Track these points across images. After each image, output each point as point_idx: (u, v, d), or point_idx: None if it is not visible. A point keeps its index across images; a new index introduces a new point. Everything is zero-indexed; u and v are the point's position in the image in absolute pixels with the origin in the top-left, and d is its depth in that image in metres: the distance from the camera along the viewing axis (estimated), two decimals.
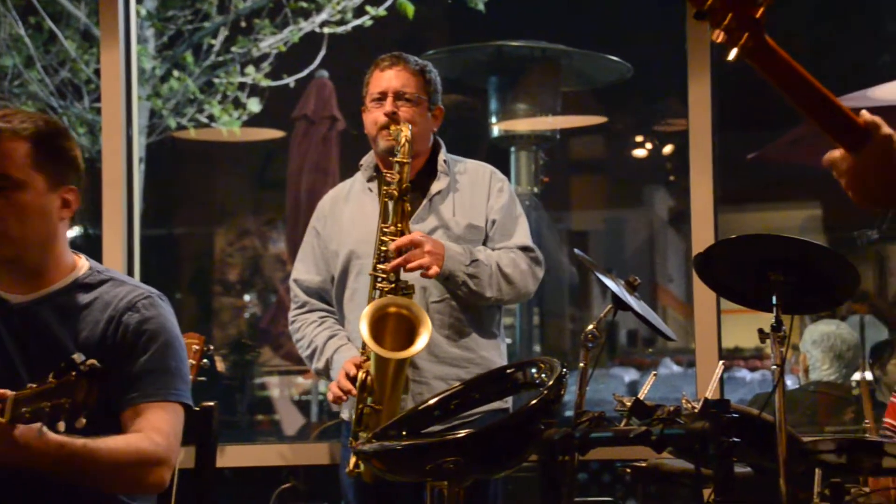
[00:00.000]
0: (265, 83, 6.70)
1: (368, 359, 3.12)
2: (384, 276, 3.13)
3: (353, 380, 3.13)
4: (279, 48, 6.70)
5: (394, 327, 3.10)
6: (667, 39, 4.95)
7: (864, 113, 1.79)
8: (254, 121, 6.80)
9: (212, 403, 2.59)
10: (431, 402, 2.84)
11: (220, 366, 6.87)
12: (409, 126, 3.21)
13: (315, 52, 6.62)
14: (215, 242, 8.08)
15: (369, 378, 3.10)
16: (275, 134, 7.19)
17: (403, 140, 3.17)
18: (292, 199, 6.51)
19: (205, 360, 3.06)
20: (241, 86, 6.70)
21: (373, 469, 2.88)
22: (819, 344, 4.50)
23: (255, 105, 6.70)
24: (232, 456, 4.05)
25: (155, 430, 2.29)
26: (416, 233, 3.15)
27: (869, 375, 5.65)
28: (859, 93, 5.76)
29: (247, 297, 7.86)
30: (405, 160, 3.16)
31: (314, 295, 3.41)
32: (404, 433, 2.73)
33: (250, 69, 6.69)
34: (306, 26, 6.63)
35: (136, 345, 2.34)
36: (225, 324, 7.70)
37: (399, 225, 3.15)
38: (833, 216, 8.21)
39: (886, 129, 1.78)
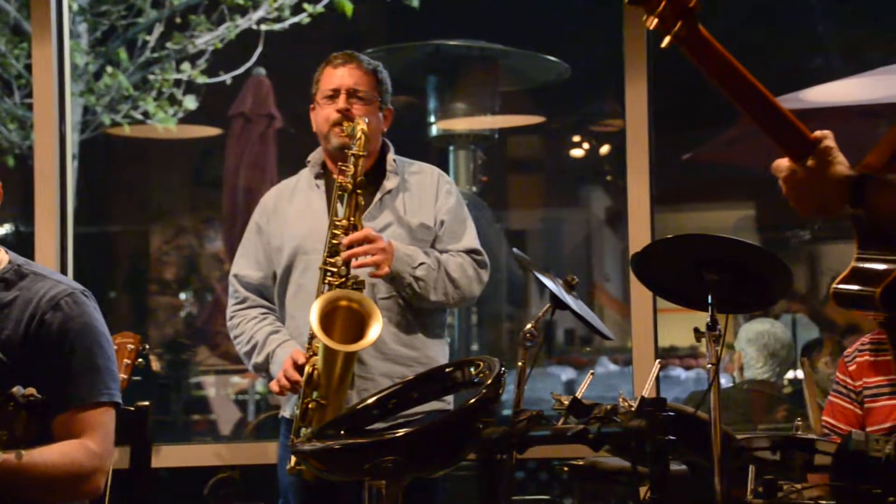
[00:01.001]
0: (201, 80, 6.64)
1: (315, 353, 3.10)
2: (335, 269, 3.11)
3: (300, 370, 3.11)
4: (215, 45, 6.64)
5: (344, 321, 3.08)
6: (604, 40, 5.00)
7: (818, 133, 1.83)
8: (190, 118, 6.74)
9: (146, 403, 2.57)
10: (370, 401, 2.83)
11: (156, 365, 6.80)
12: (365, 120, 3.20)
13: (252, 50, 6.57)
14: (151, 241, 7.98)
15: (316, 372, 3.08)
16: (211, 131, 7.12)
17: (360, 133, 3.16)
18: (229, 197, 6.47)
19: (140, 360, 3.03)
20: (177, 82, 6.63)
21: (311, 469, 2.86)
22: (753, 342, 4.56)
23: (190, 102, 6.64)
24: (167, 456, 4.02)
25: (89, 436, 2.25)
26: (369, 229, 3.14)
27: (801, 374, 5.74)
28: (791, 95, 5.85)
29: (183, 296, 7.78)
30: (361, 153, 3.15)
31: (254, 291, 3.38)
32: (343, 432, 2.72)
33: (186, 66, 6.63)
34: (243, 23, 6.58)
35: (62, 345, 2.29)
36: (161, 323, 7.62)
37: (352, 219, 3.14)
38: (766, 216, 8.32)
39: (829, 142, 1.82)
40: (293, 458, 3.11)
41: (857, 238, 1.93)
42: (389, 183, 3.32)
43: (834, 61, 7.33)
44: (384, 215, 3.28)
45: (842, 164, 1.80)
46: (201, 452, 4.36)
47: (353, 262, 3.10)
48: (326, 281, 3.13)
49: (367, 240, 3.10)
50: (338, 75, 3.30)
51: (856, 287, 1.89)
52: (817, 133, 1.82)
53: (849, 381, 3.21)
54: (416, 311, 3.27)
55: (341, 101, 3.26)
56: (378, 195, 3.30)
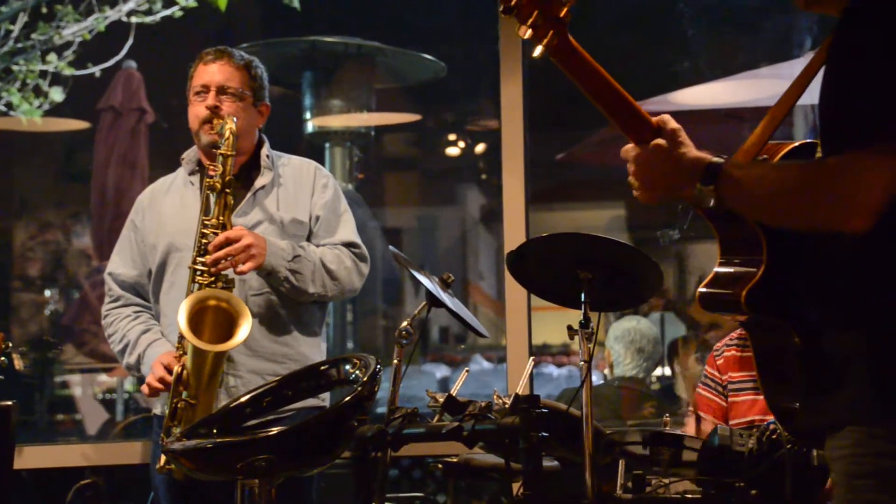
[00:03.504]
0: (68, 72, 6.47)
1: (185, 353, 3.07)
2: (204, 269, 3.09)
3: (171, 372, 3.09)
4: (84, 36, 6.48)
5: (213, 320, 3.06)
6: (480, 40, 5.03)
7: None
8: (56, 110, 6.56)
9: (9, 403, 2.49)
10: (243, 399, 2.80)
11: (19, 363, 6.60)
12: (234, 119, 3.17)
13: (122, 42, 6.43)
14: (14, 236, 7.75)
15: (185, 372, 3.05)
16: (79, 125, 6.95)
17: (228, 132, 3.14)
18: (98, 193, 6.32)
19: (2, 358, 2.95)
20: (43, 74, 6.45)
21: (182, 468, 2.82)
22: (620, 339, 4.65)
23: (57, 94, 6.46)
24: (30, 457, 3.92)
25: None
26: (236, 228, 3.11)
27: (668, 371, 5.88)
28: (661, 97, 5.98)
29: (48, 293, 7.58)
30: (229, 153, 3.13)
31: (129, 289, 3.35)
32: (215, 431, 2.68)
33: (52, 57, 6.45)
34: (112, 15, 6.43)
35: None
36: (25, 320, 7.40)
37: (221, 218, 3.12)
38: (637, 216, 8.48)
39: (673, 124, 1.86)
40: (163, 457, 3.06)
41: (719, 242, 1.99)
42: (262, 179, 3.29)
43: (701, 65, 7.51)
44: (255, 212, 3.26)
45: (691, 147, 1.85)
46: (67, 453, 4.25)
47: (219, 265, 3.08)
48: (196, 280, 3.10)
49: (231, 240, 3.07)
50: (208, 72, 3.26)
51: (720, 290, 1.94)
52: (659, 118, 1.86)
53: (716, 374, 3.30)
54: (289, 308, 3.25)
55: (210, 98, 3.23)
56: (251, 191, 3.28)
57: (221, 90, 3.24)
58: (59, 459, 4.13)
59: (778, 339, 1.89)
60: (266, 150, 3.34)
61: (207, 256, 3.08)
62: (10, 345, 3.09)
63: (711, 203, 1.81)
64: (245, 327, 3.02)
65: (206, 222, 3.12)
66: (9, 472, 2.49)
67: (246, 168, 3.30)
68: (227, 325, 3.04)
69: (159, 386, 3.12)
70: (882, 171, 1.67)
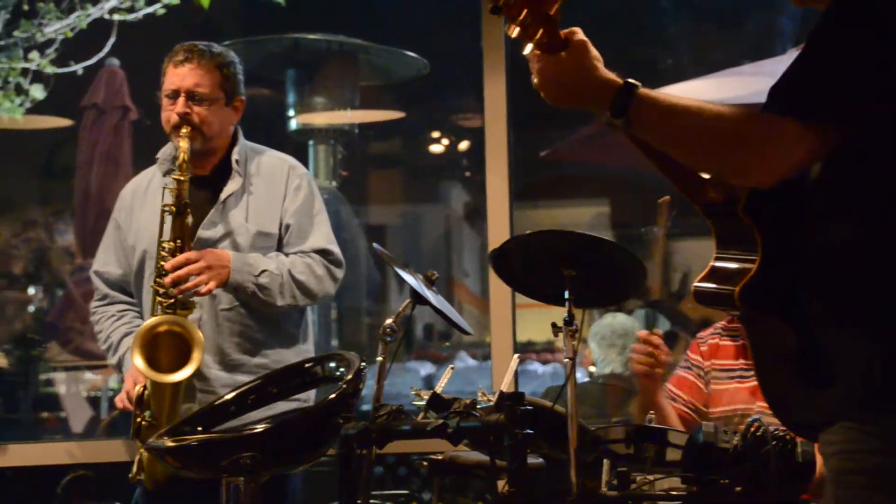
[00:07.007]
0: (51, 70, 6.44)
1: None
2: (164, 290, 3.08)
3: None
4: (66, 34, 6.45)
5: (169, 345, 3.07)
6: (463, 36, 5.02)
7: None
8: (38, 108, 6.53)
9: None
10: (228, 397, 2.80)
11: (3, 361, 6.58)
12: (188, 140, 3.13)
13: (104, 40, 6.40)
14: None
15: (146, 393, 3.07)
16: (62, 122, 6.92)
17: (182, 156, 3.10)
18: (81, 190, 6.30)
19: None
20: (24, 71, 6.42)
21: (168, 466, 2.82)
22: (605, 337, 4.65)
23: (39, 92, 6.43)
24: (15, 455, 3.91)
25: None
26: (190, 253, 3.09)
27: None
28: None
29: (32, 291, 7.55)
30: (182, 178, 3.10)
31: (115, 287, 3.35)
32: (199, 429, 2.69)
33: (34, 54, 6.42)
34: (94, 12, 6.40)
35: None
36: (9, 318, 7.38)
37: (178, 241, 3.10)
38: (620, 213, 8.51)
39: (581, 36, 1.85)
40: (134, 467, 3.09)
41: (714, 237, 1.99)
42: (231, 185, 3.24)
43: (684, 62, 7.53)
44: (223, 224, 3.22)
45: (599, 65, 1.84)
46: (51, 451, 4.24)
47: (179, 286, 3.07)
48: (157, 301, 3.11)
49: (189, 262, 3.07)
50: (178, 75, 3.21)
51: (715, 286, 1.95)
52: (568, 30, 1.84)
53: (700, 360, 3.31)
54: (262, 319, 3.22)
55: (180, 106, 3.18)
56: (219, 201, 3.23)
57: (191, 95, 3.19)
58: (43, 457, 4.12)
59: (773, 334, 1.90)
60: (237, 152, 3.28)
61: (166, 277, 3.07)
62: None
63: (621, 130, 1.82)
64: (197, 353, 3.02)
65: (164, 244, 3.11)
66: None
67: (218, 170, 3.27)
68: (183, 349, 3.05)
69: (128, 404, 3.16)
70: (803, 145, 1.73)
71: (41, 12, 6.41)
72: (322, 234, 3.29)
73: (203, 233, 3.18)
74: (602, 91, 1.82)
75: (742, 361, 3.19)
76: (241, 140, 3.32)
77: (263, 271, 3.15)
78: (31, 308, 7.51)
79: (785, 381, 1.89)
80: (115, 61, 6.41)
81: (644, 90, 1.81)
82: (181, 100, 3.19)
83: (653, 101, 1.81)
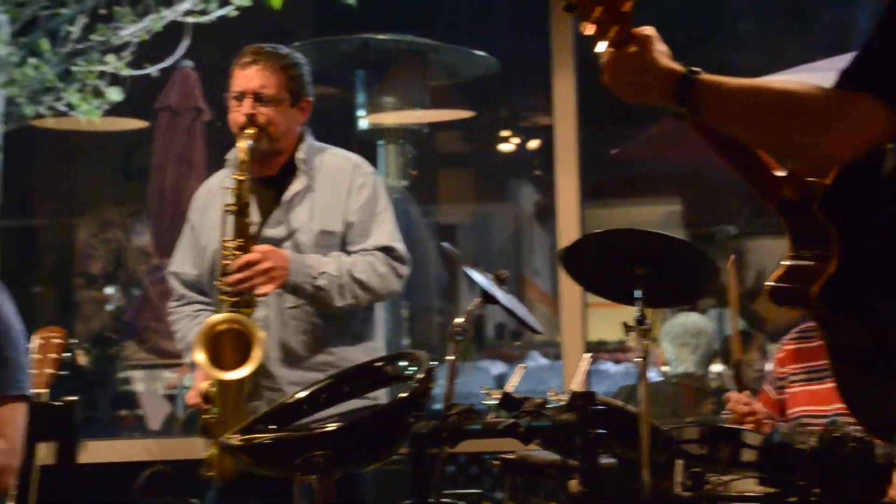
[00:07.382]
0: (126, 72, 6.54)
1: None
2: (228, 288, 3.12)
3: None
4: (141, 37, 6.55)
5: (232, 342, 3.09)
6: (532, 35, 5.01)
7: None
8: (115, 110, 6.63)
9: (74, 398, 2.53)
10: (301, 395, 2.82)
11: (82, 360, 6.70)
12: (250, 140, 3.17)
13: (178, 42, 6.49)
14: (76, 234, 7.87)
15: (213, 390, 3.12)
16: (137, 124, 7.03)
17: (241, 156, 3.14)
18: (156, 191, 6.39)
19: (67, 354, 3.00)
20: (101, 74, 6.53)
21: (239, 463, 2.85)
22: (678, 336, 4.61)
23: (115, 94, 6.52)
24: (94, 452, 3.97)
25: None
26: (259, 248, 3.13)
27: (720, 367, 5.81)
28: None
29: (110, 290, 7.68)
30: (241, 177, 3.13)
31: (192, 287, 3.38)
32: (272, 427, 2.71)
33: (111, 57, 6.52)
34: (169, 15, 6.49)
35: None
36: (87, 317, 7.51)
37: (240, 240, 3.13)
38: (693, 212, 8.43)
39: (649, 31, 1.83)
40: (204, 464, 3.13)
41: (789, 236, 1.97)
42: (296, 184, 3.26)
43: (756, 60, 7.44)
44: (287, 223, 3.24)
45: (666, 56, 1.82)
46: (129, 448, 4.31)
47: (239, 286, 3.11)
48: (221, 299, 3.14)
49: (250, 264, 3.10)
50: (244, 77, 3.24)
51: (790, 285, 1.92)
52: (637, 28, 1.83)
53: (778, 368, 3.28)
54: (327, 317, 3.23)
55: (246, 107, 3.21)
56: (285, 198, 3.26)
57: (257, 97, 3.21)
58: (121, 454, 4.18)
59: (850, 333, 1.87)
60: (303, 151, 3.31)
61: (229, 277, 3.11)
62: (74, 341, 3.14)
63: (688, 120, 1.81)
64: (258, 350, 3.05)
65: (226, 244, 3.14)
66: (73, 466, 2.52)
67: (285, 170, 3.29)
68: (245, 347, 3.07)
69: (199, 401, 3.18)
70: (875, 120, 1.71)
71: (117, 16, 6.51)
72: (385, 232, 3.28)
73: (268, 232, 3.21)
74: (665, 81, 1.81)
75: (819, 363, 3.15)
76: (308, 140, 3.35)
77: (322, 273, 3.16)
78: (109, 307, 7.64)
79: (862, 382, 1.87)
80: (189, 63, 6.49)
81: (706, 75, 1.80)
82: (247, 101, 3.22)
83: (716, 85, 1.79)
